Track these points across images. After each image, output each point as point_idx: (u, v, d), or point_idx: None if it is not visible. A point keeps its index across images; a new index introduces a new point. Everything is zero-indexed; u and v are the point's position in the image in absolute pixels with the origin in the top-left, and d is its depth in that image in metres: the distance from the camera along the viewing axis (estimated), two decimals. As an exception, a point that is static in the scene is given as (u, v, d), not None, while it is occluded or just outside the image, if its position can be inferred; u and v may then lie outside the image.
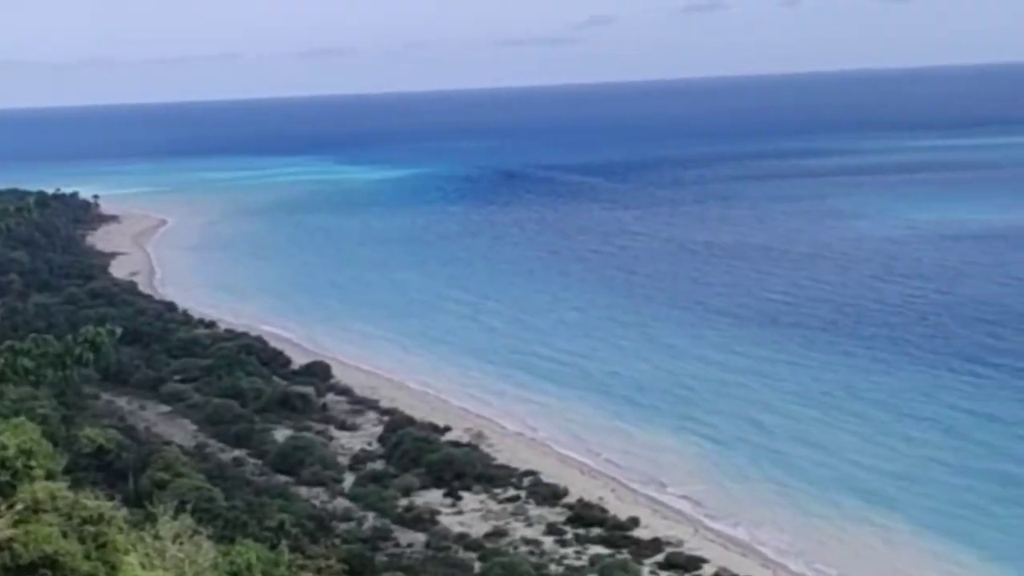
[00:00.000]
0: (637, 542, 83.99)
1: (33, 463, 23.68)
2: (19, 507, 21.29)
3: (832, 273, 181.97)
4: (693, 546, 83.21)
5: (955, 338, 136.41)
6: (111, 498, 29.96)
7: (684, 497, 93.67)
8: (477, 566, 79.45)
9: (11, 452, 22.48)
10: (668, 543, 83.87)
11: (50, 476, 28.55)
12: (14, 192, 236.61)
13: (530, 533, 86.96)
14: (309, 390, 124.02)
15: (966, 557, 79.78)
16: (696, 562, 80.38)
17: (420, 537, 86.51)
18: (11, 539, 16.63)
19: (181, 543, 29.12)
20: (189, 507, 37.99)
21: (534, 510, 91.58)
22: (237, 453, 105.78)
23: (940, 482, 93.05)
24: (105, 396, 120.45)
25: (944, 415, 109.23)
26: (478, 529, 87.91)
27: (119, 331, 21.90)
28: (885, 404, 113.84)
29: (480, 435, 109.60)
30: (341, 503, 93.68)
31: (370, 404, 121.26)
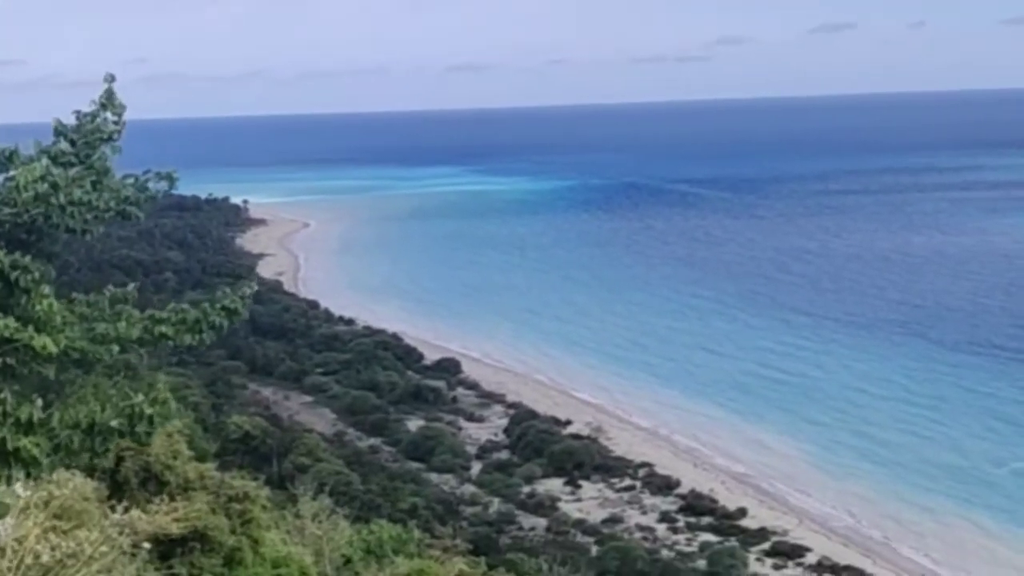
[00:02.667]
0: (744, 531, 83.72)
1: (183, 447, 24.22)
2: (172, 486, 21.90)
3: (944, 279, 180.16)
4: (797, 536, 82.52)
5: None
6: (256, 480, 30.56)
7: (790, 490, 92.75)
8: (594, 549, 79.84)
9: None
10: (773, 532, 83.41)
11: (201, 458, 29.19)
12: (169, 196, 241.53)
13: (644, 520, 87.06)
14: (440, 384, 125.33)
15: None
16: (800, 550, 79.73)
17: (541, 522, 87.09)
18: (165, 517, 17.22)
19: (320, 522, 29.62)
20: (328, 489, 38.54)
21: (648, 499, 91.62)
22: (373, 441, 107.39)
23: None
24: (252, 386, 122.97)
25: None
26: (596, 515, 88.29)
27: (254, 288, 22.23)
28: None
29: (599, 428, 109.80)
30: (468, 489, 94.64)
31: (497, 398, 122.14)
